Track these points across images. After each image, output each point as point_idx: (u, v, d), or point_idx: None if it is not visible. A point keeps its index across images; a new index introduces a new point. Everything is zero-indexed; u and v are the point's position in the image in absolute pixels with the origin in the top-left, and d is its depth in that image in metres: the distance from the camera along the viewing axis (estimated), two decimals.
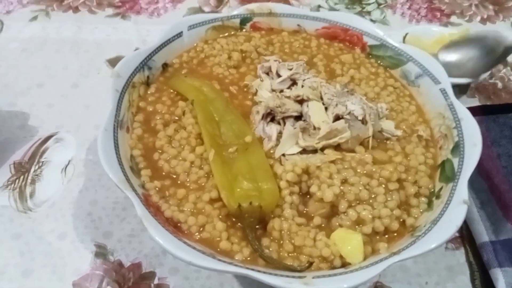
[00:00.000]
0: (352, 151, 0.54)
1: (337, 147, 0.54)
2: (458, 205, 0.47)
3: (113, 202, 0.61)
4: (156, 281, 0.54)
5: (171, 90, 0.60)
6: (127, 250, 0.57)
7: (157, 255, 0.56)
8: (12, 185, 0.63)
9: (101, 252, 0.56)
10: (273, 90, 0.59)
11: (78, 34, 0.84)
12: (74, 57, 0.80)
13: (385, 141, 0.57)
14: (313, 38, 0.69)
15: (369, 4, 0.94)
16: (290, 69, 0.61)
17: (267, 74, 0.62)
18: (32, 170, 0.64)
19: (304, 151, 0.54)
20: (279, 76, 0.61)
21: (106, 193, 0.62)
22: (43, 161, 0.65)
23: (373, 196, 0.50)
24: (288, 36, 0.69)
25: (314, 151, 0.54)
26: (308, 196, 0.51)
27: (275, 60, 0.62)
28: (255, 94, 0.60)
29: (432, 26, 0.87)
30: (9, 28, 0.85)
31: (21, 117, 0.71)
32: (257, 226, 0.48)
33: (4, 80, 0.76)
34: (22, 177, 0.64)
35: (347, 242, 0.47)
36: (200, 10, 0.91)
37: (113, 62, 0.79)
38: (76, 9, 0.89)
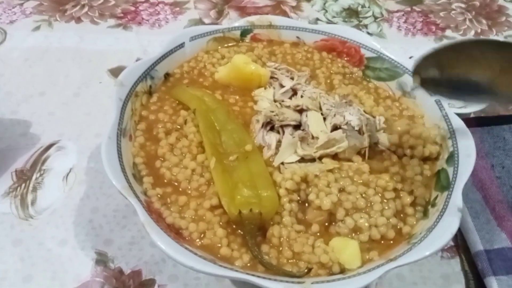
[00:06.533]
0: (350, 160, 0.55)
1: (335, 156, 0.55)
2: (453, 213, 0.48)
3: (113, 210, 0.61)
4: None
5: (173, 100, 0.62)
6: (127, 257, 0.57)
7: (157, 262, 0.57)
8: (14, 192, 0.63)
9: (101, 259, 0.57)
10: (275, 101, 0.60)
11: (80, 44, 0.85)
12: (76, 66, 0.81)
13: (380, 152, 0.58)
14: (315, 52, 0.70)
15: (366, 17, 0.96)
16: (292, 78, 0.62)
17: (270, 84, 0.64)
18: (34, 177, 0.65)
19: (302, 159, 0.55)
20: (282, 86, 0.62)
21: (107, 200, 0.62)
22: (44, 169, 0.66)
23: (369, 204, 0.51)
24: (290, 47, 0.70)
25: (312, 160, 0.55)
26: (306, 204, 0.52)
27: (279, 69, 0.64)
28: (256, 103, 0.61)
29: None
30: (12, 37, 0.86)
31: (23, 124, 0.71)
32: (257, 233, 0.49)
33: (7, 88, 0.77)
34: (23, 184, 0.64)
35: (344, 248, 0.48)
36: (200, 22, 0.92)
37: (114, 71, 0.80)
38: (78, 20, 0.91)
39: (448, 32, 0.94)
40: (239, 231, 0.49)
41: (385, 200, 0.52)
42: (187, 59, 0.67)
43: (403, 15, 0.98)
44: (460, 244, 0.60)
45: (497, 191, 0.62)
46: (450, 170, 0.53)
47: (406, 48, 0.89)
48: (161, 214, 0.50)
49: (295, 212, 0.51)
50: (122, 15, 0.92)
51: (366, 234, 0.49)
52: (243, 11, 0.95)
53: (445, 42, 0.51)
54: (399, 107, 0.64)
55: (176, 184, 0.53)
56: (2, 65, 0.81)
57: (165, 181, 0.53)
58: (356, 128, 0.56)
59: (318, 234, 0.50)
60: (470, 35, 0.94)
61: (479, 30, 0.95)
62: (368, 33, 0.91)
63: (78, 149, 0.68)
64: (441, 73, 0.49)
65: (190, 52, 0.67)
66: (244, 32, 0.70)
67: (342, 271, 0.47)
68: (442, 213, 0.49)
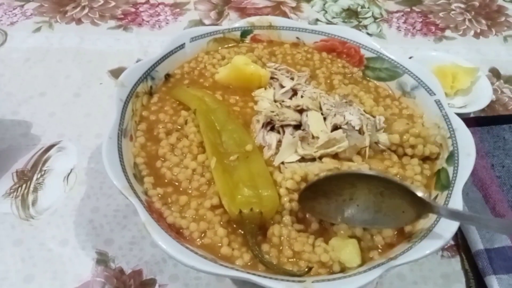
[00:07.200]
0: (350, 160, 0.55)
1: (335, 156, 0.55)
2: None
3: (114, 210, 0.62)
4: None
5: (174, 100, 0.62)
6: (128, 257, 0.57)
7: (158, 262, 0.57)
8: (15, 193, 0.63)
9: (102, 259, 0.57)
10: (275, 101, 0.60)
11: (80, 45, 0.86)
12: (76, 67, 0.81)
13: (381, 151, 0.58)
14: (315, 52, 0.70)
15: (366, 18, 0.97)
16: (293, 79, 0.63)
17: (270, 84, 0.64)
18: (35, 178, 0.65)
19: (303, 159, 0.55)
20: (282, 87, 0.62)
21: (107, 200, 0.63)
22: (45, 170, 0.66)
23: None
24: (290, 48, 0.71)
25: (313, 159, 0.55)
26: None
27: (279, 69, 0.64)
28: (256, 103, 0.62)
29: (436, 52, 0.85)
30: (12, 38, 0.87)
31: (23, 125, 0.72)
32: (257, 232, 0.49)
33: (7, 89, 0.77)
34: (24, 185, 0.64)
35: (344, 247, 0.48)
36: (200, 23, 0.93)
37: (115, 72, 0.80)
38: (79, 21, 0.91)
39: (448, 33, 0.95)
40: (240, 230, 0.49)
41: None
42: (188, 59, 0.67)
43: (402, 15, 0.98)
44: (460, 243, 0.60)
45: (497, 190, 0.62)
46: (450, 170, 0.54)
47: (405, 48, 0.90)
48: (162, 213, 0.50)
49: (295, 211, 0.51)
50: (122, 16, 0.93)
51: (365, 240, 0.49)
52: (243, 12, 0.95)
53: (326, 173, 0.52)
54: (398, 106, 0.64)
55: (176, 184, 0.53)
56: (2, 66, 0.81)
57: (166, 181, 0.53)
58: (357, 128, 0.56)
59: (318, 233, 0.50)
60: (470, 35, 0.94)
61: (478, 30, 0.96)
62: (368, 33, 0.92)
63: (78, 149, 0.69)
64: (325, 200, 0.49)
65: (190, 52, 0.67)
66: (244, 33, 0.70)
67: (343, 270, 0.47)
68: None
